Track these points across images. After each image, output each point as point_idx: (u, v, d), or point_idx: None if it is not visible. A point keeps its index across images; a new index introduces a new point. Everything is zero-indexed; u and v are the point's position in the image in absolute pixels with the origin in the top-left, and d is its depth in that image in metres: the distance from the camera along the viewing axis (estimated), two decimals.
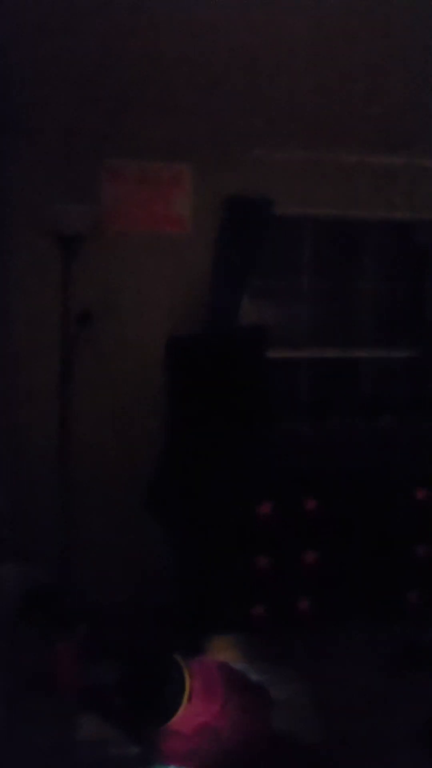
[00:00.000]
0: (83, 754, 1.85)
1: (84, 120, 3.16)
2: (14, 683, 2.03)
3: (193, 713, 1.86)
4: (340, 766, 2.32)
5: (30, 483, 3.24)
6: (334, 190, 3.67)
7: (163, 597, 3.33)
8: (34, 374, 3.24)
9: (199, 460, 3.13)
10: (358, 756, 2.49)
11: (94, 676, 2.04)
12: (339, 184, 3.67)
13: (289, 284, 3.85)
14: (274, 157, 3.55)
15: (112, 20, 2.60)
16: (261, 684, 2.15)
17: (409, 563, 3.34)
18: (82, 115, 3.13)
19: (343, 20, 2.64)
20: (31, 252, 3.20)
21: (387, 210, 3.77)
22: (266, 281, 3.77)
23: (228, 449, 3.19)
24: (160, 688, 1.88)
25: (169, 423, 2.94)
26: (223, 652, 3.23)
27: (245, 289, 3.56)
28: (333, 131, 3.37)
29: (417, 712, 2.82)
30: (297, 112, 3.27)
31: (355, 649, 3.23)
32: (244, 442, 3.26)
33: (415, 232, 3.94)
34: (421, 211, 3.80)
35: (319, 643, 3.26)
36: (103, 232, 3.31)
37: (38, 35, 2.61)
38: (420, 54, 2.94)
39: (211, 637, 3.28)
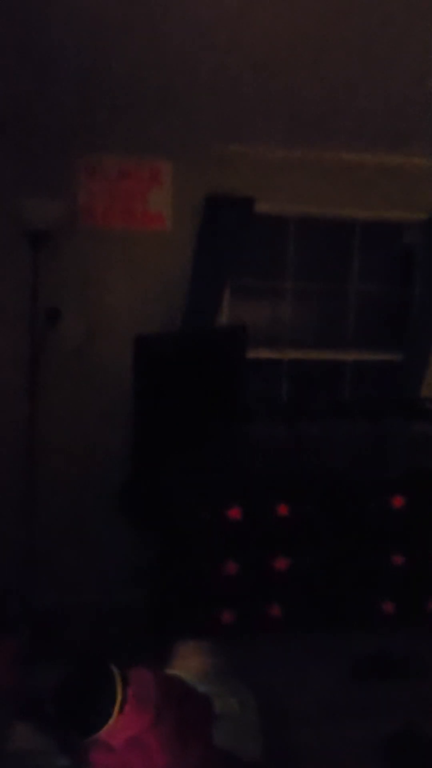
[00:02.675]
0: (12, 765, 1.80)
1: (60, 114, 3.11)
2: None
3: (124, 725, 1.81)
4: None
5: None
6: (318, 189, 3.59)
7: (132, 599, 3.31)
8: (1, 372, 3.20)
9: (167, 462, 3.07)
10: None
11: (32, 683, 1.99)
12: (324, 182, 3.59)
13: (271, 284, 3.78)
14: (256, 154, 3.48)
15: (87, 8, 2.54)
16: (206, 696, 2.09)
17: (384, 572, 3.26)
18: (58, 109, 3.07)
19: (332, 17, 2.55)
20: (1, 247, 3.16)
21: (374, 209, 3.69)
22: (247, 281, 3.70)
23: (198, 451, 3.13)
24: (92, 697, 1.83)
25: (136, 424, 2.89)
26: (190, 657, 3.18)
27: (224, 288, 3.50)
28: (318, 128, 3.29)
29: (378, 724, 2.75)
30: (281, 108, 3.19)
31: (323, 658, 3.16)
32: (216, 444, 3.20)
33: (402, 233, 3.85)
34: (409, 211, 3.71)
35: (288, 651, 3.20)
36: (79, 228, 3.26)
37: (4, 23, 2.56)
38: (414, 51, 2.85)
39: (178, 642, 3.24)
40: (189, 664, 3.22)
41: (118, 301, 3.37)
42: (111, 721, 1.80)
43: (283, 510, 3.11)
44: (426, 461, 3.30)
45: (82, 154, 3.28)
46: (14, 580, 3.06)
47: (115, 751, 1.80)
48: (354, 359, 3.90)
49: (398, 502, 3.22)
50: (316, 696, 2.91)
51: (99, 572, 3.47)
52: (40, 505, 3.19)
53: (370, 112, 3.18)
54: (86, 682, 1.89)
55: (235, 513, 3.05)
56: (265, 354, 3.75)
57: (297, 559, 3.16)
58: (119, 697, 1.82)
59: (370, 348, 3.90)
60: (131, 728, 1.81)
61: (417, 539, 3.27)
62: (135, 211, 3.39)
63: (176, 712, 1.89)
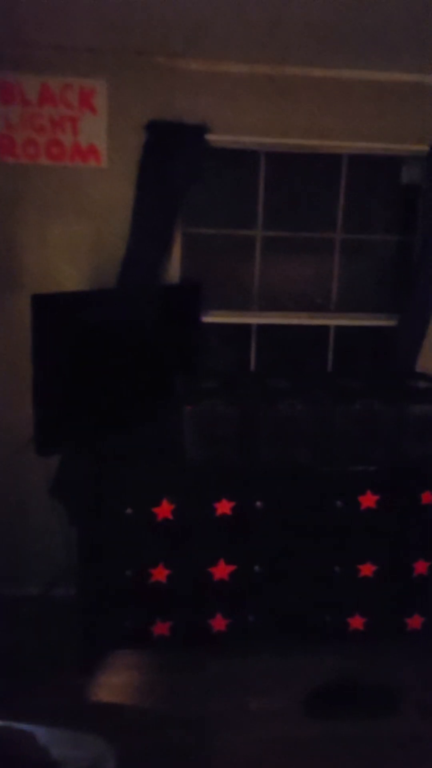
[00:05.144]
0: None
1: None
2: None
3: None
4: None
5: None
6: (293, 115, 2.93)
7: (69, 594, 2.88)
8: None
9: (82, 447, 2.57)
10: None
11: None
12: (300, 106, 2.93)
13: (234, 233, 3.15)
14: (212, 71, 2.84)
15: None
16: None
17: (352, 582, 2.71)
18: None
19: None
20: None
21: (363, 140, 2.99)
22: (203, 229, 3.10)
23: (125, 435, 2.62)
24: None
25: (36, 405, 2.38)
26: (118, 672, 2.75)
27: (173, 237, 2.92)
28: (291, 36, 2.60)
29: None
30: (243, 10, 2.52)
31: (274, 683, 2.66)
32: (149, 427, 2.68)
33: (399, 170, 3.15)
34: (408, 142, 3.00)
35: (232, 672, 2.72)
36: None
37: None
38: None
39: (107, 653, 2.80)
40: (116, 680, 2.78)
41: (41, 252, 2.85)
42: None
43: (224, 508, 2.58)
44: (408, 452, 2.69)
45: None
46: None
47: None
48: (338, 325, 3.27)
49: (369, 500, 2.64)
50: (258, 734, 2.43)
51: (37, 563, 3.05)
52: None
53: (357, 16, 2.47)
54: None
55: (164, 510, 2.55)
56: (227, 318, 3.17)
57: (243, 565, 2.64)
58: None
59: (359, 311, 3.26)
60: None
61: (391, 544, 2.70)
62: (63, 143, 2.82)
63: None
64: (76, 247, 2.88)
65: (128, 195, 2.84)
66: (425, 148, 2.98)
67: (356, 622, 2.76)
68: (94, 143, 2.85)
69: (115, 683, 2.66)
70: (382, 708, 2.57)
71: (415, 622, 2.79)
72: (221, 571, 2.63)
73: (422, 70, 2.90)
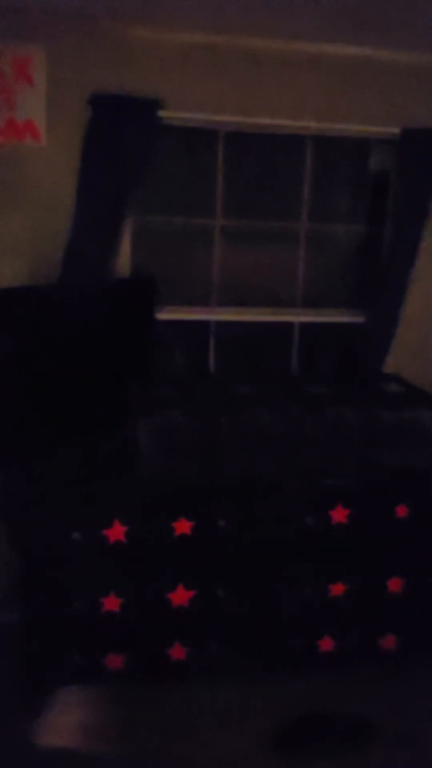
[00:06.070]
0: None
1: None
2: None
3: None
4: None
5: None
6: (255, 91, 2.68)
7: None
8: None
9: (29, 465, 2.29)
10: None
11: None
12: (263, 81, 2.67)
13: (191, 222, 2.88)
14: (165, 40, 2.56)
15: None
16: None
17: (322, 603, 2.51)
18: None
19: None
20: None
21: (329, 120, 2.76)
22: (157, 218, 2.82)
23: (69, 450, 2.34)
24: None
25: None
26: (67, 711, 2.49)
27: (122, 226, 2.63)
28: (256, 5, 2.33)
29: None
30: None
31: (238, 717, 2.44)
32: (96, 441, 2.40)
33: (368, 154, 2.93)
34: (377, 123, 2.78)
35: (194, 705, 2.49)
36: None
37: None
38: None
39: (56, 689, 2.54)
40: (65, 719, 2.52)
41: None
42: None
43: (184, 527, 2.33)
44: (382, 462, 2.49)
45: None
46: None
47: None
48: (303, 321, 3.05)
49: (340, 515, 2.44)
50: None
51: None
52: None
53: None
54: None
55: (116, 532, 2.28)
56: (184, 315, 2.91)
57: (205, 590, 2.41)
58: None
59: (325, 307, 3.05)
60: None
61: (363, 561, 2.50)
62: None
63: None
64: (13, 237, 2.57)
65: (71, 177, 2.55)
66: (396, 130, 2.76)
67: (326, 645, 2.56)
68: (31, 119, 2.53)
69: (63, 723, 2.39)
70: (356, 740, 2.38)
71: (388, 642, 2.61)
72: (180, 596, 2.38)
73: (394, 46, 2.68)
